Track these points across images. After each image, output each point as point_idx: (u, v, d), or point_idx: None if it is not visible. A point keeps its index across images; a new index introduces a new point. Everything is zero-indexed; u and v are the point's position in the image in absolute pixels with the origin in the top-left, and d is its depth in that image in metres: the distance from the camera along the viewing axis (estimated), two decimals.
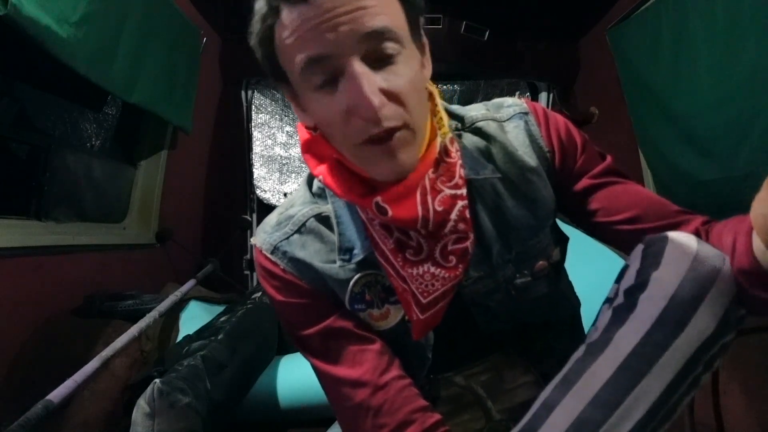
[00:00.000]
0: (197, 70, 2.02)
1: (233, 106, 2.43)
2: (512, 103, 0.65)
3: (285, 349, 1.37)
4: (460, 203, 0.55)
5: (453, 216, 0.54)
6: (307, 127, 0.60)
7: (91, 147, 1.82)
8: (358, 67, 0.47)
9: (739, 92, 1.30)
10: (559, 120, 0.64)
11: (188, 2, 1.92)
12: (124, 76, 1.51)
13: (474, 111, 0.65)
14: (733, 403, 0.96)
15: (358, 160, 0.53)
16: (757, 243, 0.43)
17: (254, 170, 2.54)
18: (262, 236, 0.62)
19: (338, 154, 0.55)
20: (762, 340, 0.98)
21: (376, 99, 0.46)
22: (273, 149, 2.60)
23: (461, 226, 0.55)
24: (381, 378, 0.57)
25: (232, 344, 1.15)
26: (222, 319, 1.29)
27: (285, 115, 2.61)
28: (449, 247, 0.55)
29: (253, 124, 2.53)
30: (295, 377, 1.24)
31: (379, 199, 0.52)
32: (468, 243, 0.56)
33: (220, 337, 1.16)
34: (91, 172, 1.76)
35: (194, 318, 1.52)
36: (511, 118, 0.63)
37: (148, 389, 0.92)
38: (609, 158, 0.64)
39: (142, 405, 0.90)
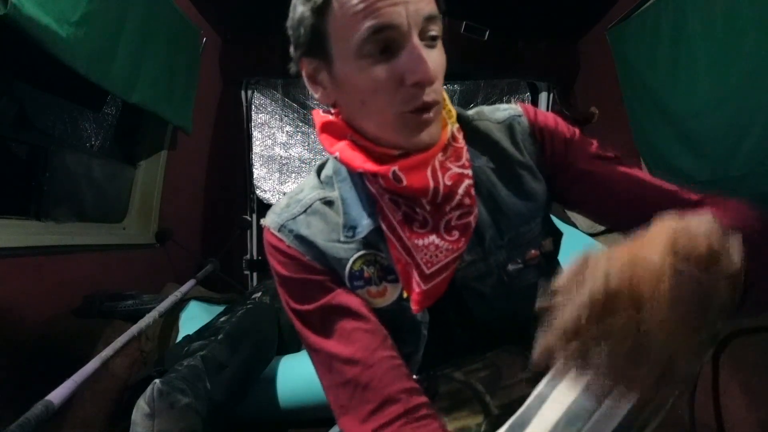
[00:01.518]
0: (197, 70, 2.02)
1: (233, 106, 2.44)
2: (507, 107, 0.71)
3: (285, 349, 1.37)
4: (467, 181, 0.60)
5: (460, 191, 0.60)
6: (323, 111, 0.65)
7: (91, 147, 1.82)
8: (417, 40, 0.54)
9: (736, 93, 1.30)
10: (548, 116, 0.69)
11: (188, 2, 1.92)
12: (124, 75, 1.51)
13: (470, 112, 0.71)
14: (733, 403, 0.96)
15: (394, 128, 0.57)
16: None
17: (254, 170, 2.54)
18: (271, 216, 0.66)
19: (354, 134, 0.61)
20: (762, 340, 0.99)
21: (433, 69, 0.54)
22: (273, 149, 2.60)
23: (467, 200, 0.60)
24: (372, 356, 0.58)
25: (232, 344, 1.15)
26: (222, 319, 1.29)
27: (285, 115, 2.61)
28: (453, 222, 0.60)
29: (253, 124, 2.53)
30: (295, 377, 1.24)
31: (396, 167, 0.57)
32: (471, 218, 0.61)
33: (220, 337, 1.16)
34: (91, 172, 1.76)
35: (194, 318, 1.52)
36: (504, 121, 0.69)
37: (148, 389, 0.92)
38: (594, 143, 0.68)
39: (142, 405, 0.90)
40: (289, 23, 0.61)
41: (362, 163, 0.59)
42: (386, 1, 0.52)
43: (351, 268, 0.62)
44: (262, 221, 0.67)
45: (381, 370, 0.58)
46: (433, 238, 0.59)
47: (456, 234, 0.60)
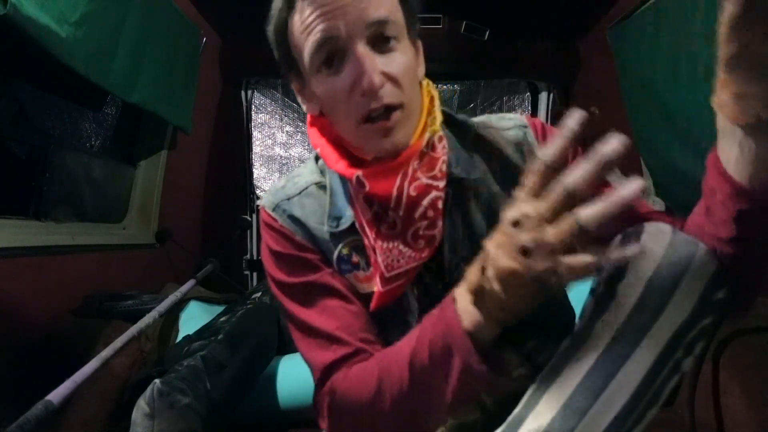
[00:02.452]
0: (197, 70, 2.02)
1: (233, 106, 2.43)
2: (513, 117, 0.71)
3: (285, 349, 1.37)
4: (435, 193, 0.60)
5: (424, 203, 0.59)
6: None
7: (90, 147, 1.82)
8: (362, 48, 0.54)
9: None
10: (555, 132, 0.67)
11: (188, 2, 1.92)
12: (124, 75, 1.51)
13: (476, 120, 0.72)
14: (733, 403, 0.96)
15: (357, 138, 0.59)
16: (725, 159, 0.47)
17: (254, 170, 2.54)
18: (268, 197, 0.68)
19: (338, 134, 0.63)
20: (762, 340, 0.99)
21: (377, 77, 0.54)
22: (273, 149, 2.60)
23: (430, 213, 0.60)
24: (352, 336, 0.60)
25: (232, 344, 1.15)
26: (222, 319, 1.29)
27: (285, 115, 2.61)
28: (420, 232, 0.60)
29: (252, 124, 2.53)
30: (295, 377, 1.24)
31: (360, 173, 0.58)
32: (435, 231, 0.60)
33: (220, 337, 1.16)
34: (91, 172, 1.76)
35: (194, 318, 1.51)
36: (510, 129, 0.69)
37: (148, 389, 0.92)
38: None
39: (141, 405, 0.90)
40: None
41: (334, 163, 0.61)
42: (325, 15, 0.54)
43: (339, 252, 0.64)
44: (258, 201, 0.68)
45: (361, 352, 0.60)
46: (398, 243, 0.60)
47: (422, 243, 0.60)
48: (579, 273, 0.40)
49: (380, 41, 0.55)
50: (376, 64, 0.54)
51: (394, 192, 0.58)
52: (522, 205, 0.42)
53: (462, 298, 0.48)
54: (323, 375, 0.59)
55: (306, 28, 0.55)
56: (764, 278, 0.52)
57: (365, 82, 0.53)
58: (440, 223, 0.61)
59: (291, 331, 0.65)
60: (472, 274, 0.47)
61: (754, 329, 0.99)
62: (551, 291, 0.42)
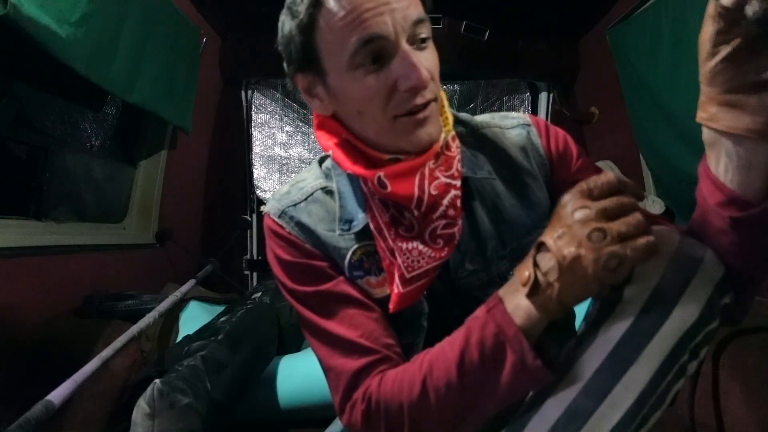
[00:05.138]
0: (197, 70, 2.02)
1: (233, 106, 2.44)
2: (516, 116, 0.72)
3: (285, 349, 1.37)
4: (453, 192, 0.60)
5: (445, 201, 0.60)
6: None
7: (90, 147, 1.82)
8: (407, 46, 0.55)
9: None
10: (558, 132, 0.70)
11: (188, 2, 1.92)
12: (124, 75, 1.51)
13: (479, 119, 0.72)
14: (733, 403, 0.96)
15: (392, 133, 0.59)
16: (715, 169, 0.47)
17: (254, 170, 2.54)
18: (272, 203, 0.66)
19: (348, 135, 0.62)
20: (762, 340, 0.99)
21: (426, 73, 0.55)
22: (273, 149, 2.60)
23: (451, 212, 0.60)
24: (375, 343, 0.59)
25: (232, 344, 1.15)
26: (222, 319, 1.29)
27: (285, 115, 2.61)
28: (438, 231, 0.60)
29: (252, 124, 2.53)
30: (295, 377, 1.24)
31: (381, 173, 0.58)
32: (455, 229, 0.60)
33: (220, 337, 1.16)
34: (91, 172, 1.76)
35: (194, 318, 1.52)
36: (513, 128, 0.70)
37: (148, 389, 0.92)
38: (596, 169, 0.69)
39: (142, 405, 0.90)
40: (279, 40, 0.62)
41: (351, 165, 0.60)
42: (371, 12, 0.53)
43: (351, 258, 0.62)
44: (263, 207, 0.67)
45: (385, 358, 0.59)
46: (417, 243, 0.60)
47: (440, 242, 0.60)
48: (642, 254, 0.41)
49: (419, 38, 0.57)
50: (422, 61, 0.55)
51: (416, 191, 0.58)
52: (588, 203, 0.44)
53: (512, 296, 0.48)
54: (352, 382, 0.58)
55: (351, 22, 0.54)
56: (760, 286, 0.52)
57: (415, 78, 0.54)
58: (460, 222, 0.61)
59: (308, 338, 0.64)
60: (523, 270, 0.47)
61: (754, 329, 1.00)
62: (611, 278, 0.43)
